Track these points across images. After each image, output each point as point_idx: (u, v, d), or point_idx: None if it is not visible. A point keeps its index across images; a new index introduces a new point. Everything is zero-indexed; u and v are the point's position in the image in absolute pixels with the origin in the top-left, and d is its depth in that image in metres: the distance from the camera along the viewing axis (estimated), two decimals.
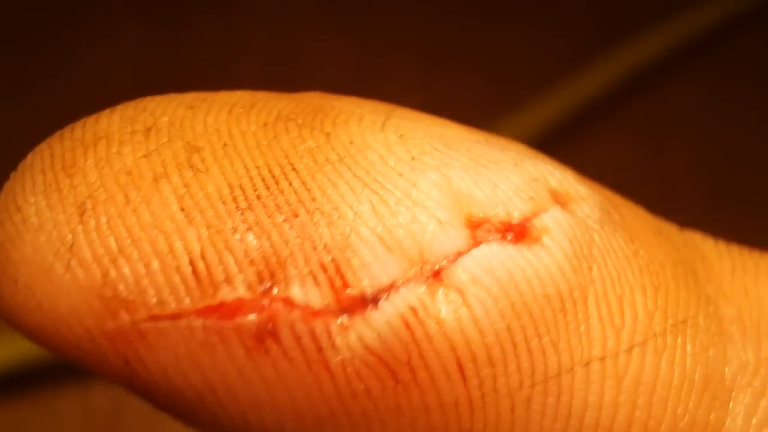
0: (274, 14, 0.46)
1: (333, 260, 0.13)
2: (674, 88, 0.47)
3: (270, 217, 0.14)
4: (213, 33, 0.45)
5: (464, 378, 0.14)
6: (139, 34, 0.45)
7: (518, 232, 0.14)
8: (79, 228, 0.14)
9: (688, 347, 0.15)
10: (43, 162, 0.15)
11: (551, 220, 0.15)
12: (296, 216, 0.14)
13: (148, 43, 0.45)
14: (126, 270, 0.14)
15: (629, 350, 0.14)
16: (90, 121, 0.15)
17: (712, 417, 0.15)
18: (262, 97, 0.15)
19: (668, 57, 0.47)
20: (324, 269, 0.13)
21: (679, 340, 0.15)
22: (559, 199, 0.15)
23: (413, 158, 0.15)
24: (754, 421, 0.15)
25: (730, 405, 0.15)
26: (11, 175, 0.15)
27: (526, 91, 0.45)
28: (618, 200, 0.17)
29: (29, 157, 0.15)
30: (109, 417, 0.40)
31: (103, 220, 0.14)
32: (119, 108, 0.15)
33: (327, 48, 0.45)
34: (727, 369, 0.15)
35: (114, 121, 0.15)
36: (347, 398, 0.14)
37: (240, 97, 0.15)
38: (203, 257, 0.13)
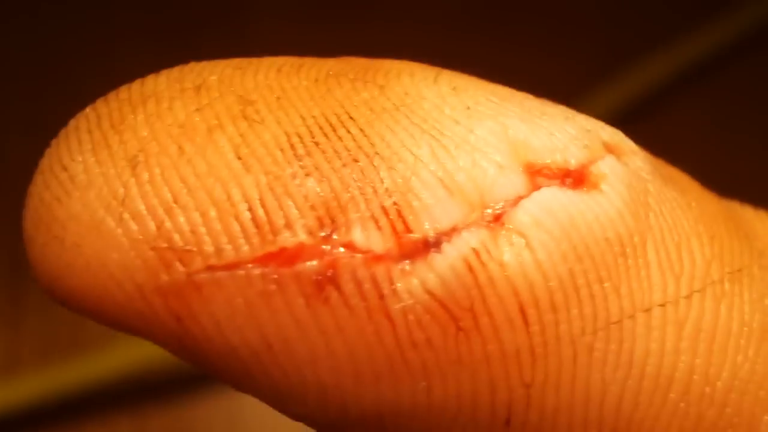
0: (282, 37, 0.47)
1: (394, 204, 0.13)
2: (679, 112, 0.47)
3: (329, 162, 0.13)
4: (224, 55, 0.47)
5: (527, 324, 0.13)
6: (147, 64, 0.46)
7: (577, 177, 0.14)
8: (132, 181, 0.13)
9: (746, 295, 0.15)
10: (88, 122, 0.14)
11: (607, 167, 0.15)
12: (356, 161, 0.13)
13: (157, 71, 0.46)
14: (182, 219, 0.13)
15: (689, 297, 0.14)
16: (135, 84, 0.15)
17: None
18: (308, 59, 0.15)
19: (673, 81, 0.47)
20: (386, 213, 0.13)
21: (736, 287, 0.15)
22: (612, 150, 0.15)
23: (468, 108, 0.14)
24: None
25: None
26: (53, 141, 0.15)
27: None
28: (661, 163, 0.17)
29: (72, 121, 0.15)
30: None
31: (157, 171, 0.13)
32: (164, 72, 0.15)
33: None
34: None
35: (161, 81, 0.15)
36: (408, 349, 0.13)
37: (286, 60, 0.15)
38: (262, 203, 0.13)
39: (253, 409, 0.41)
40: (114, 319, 0.14)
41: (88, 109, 0.15)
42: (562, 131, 0.15)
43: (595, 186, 0.14)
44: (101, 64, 0.47)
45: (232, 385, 0.14)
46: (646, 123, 0.46)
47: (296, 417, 0.14)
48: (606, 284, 0.14)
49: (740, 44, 0.48)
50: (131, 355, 0.40)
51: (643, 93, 0.47)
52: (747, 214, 0.17)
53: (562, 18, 0.49)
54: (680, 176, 0.16)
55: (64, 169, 0.14)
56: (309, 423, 0.14)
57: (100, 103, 0.15)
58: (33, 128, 0.42)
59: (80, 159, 0.14)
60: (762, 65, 0.49)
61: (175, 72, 0.15)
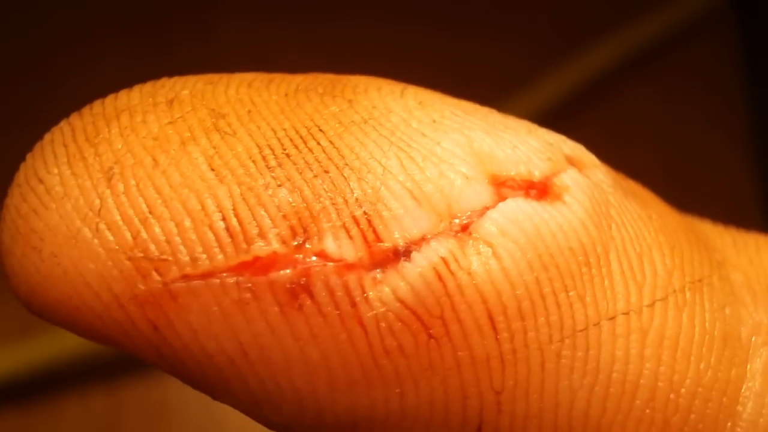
0: (249, 38, 0.48)
1: (365, 213, 0.14)
2: (631, 92, 0.50)
3: (301, 173, 0.14)
4: (191, 59, 0.47)
5: (496, 331, 0.14)
6: (118, 66, 0.46)
7: (540, 189, 0.15)
8: (107, 192, 0.14)
9: (706, 304, 0.15)
10: (63, 136, 0.15)
11: (570, 179, 0.15)
12: (326, 172, 0.14)
13: (127, 73, 0.47)
14: (157, 229, 0.14)
15: (651, 305, 0.15)
16: (109, 99, 0.15)
17: (732, 373, 0.15)
18: (277, 75, 0.16)
19: (624, 64, 0.49)
20: (356, 222, 0.14)
21: (697, 297, 0.15)
22: (574, 164, 0.15)
23: (434, 121, 0.15)
24: None
25: (748, 364, 0.15)
26: (28, 155, 0.15)
27: (490, 97, 0.47)
28: (621, 177, 0.17)
29: (46, 135, 0.15)
30: (108, 423, 0.40)
31: (132, 182, 0.14)
32: (137, 87, 0.15)
33: (303, 65, 0.48)
34: (742, 329, 0.16)
35: (134, 96, 0.15)
36: (380, 356, 0.14)
37: (256, 76, 0.16)
38: (236, 213, 0.13)
39: None
40: (91, 329, 0.14)
41: (62, 123, 0.15)
42: (525, 144, 0.15)
43: (558, 197, 0.15)
44: (74, 65, 0.47)
45: (209, 393, 0.14)
46: (596, 107, 0.49)
47: (272, 425, 0.15)
48: (571, 293, 0.14)
49: (686, 29, 0.51)
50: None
51: (592, 77, 0.48)
52: (705, 227, 0.18)
53: (511, 4, 0.51)
54: (640, 190, 0.17)
55: (41, 181, 0.14)
56: (284, 430, 0.15)
57: (74, 118, 0.15)
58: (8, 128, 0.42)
59: (56, 171, 0.14)
60: (706, 48, 0.51)
61: (148, 87, 0.15)
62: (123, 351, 0.15)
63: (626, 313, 0.15)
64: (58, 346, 0.40)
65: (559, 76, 0.48)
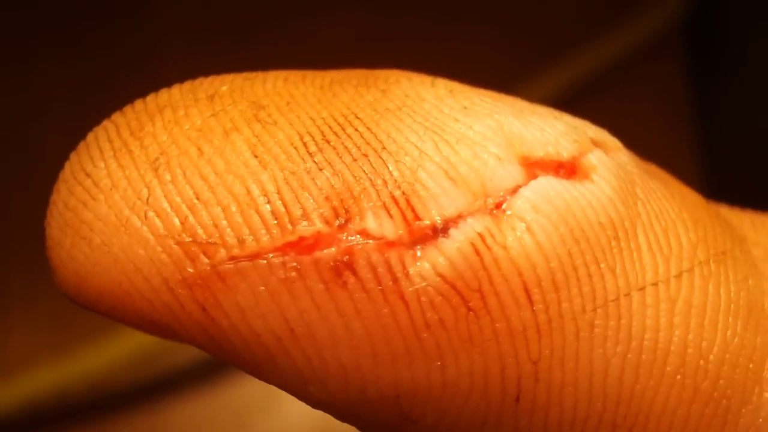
0: (200, 69, 0.50)
1: (403, 193, 0.14)
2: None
3: (341, 157, 0.14)
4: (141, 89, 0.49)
5: (531, 302, 0.14)
6: (70, 102, 0.47)
7: (569, 168, 0.15)
8: (155, 181, 0.14)
9: (731, 275, 0.16)
10: (107, 132, 0.15)
11: (597, 159, 0.16)
12: (365, 156, 0.14)
13: (79, 110, 0.48)
14: (204, 214, 0.14)
15: (678, 276, 0.15)
16: (150, 97, 0.16)
17: (758, 341, 0.16)
18: (310, 71, 0.16)
19: (573, 90, 0.50)
20: (396, 202, 0.14)
21: (721, 268, 0.16)
22: (599, 146, 0.16)
23: (465, 107, 0.16)
24: None
25: None
26: (73, 153, 0.16)
27: None
28: (643, 161, 0.18)
29: (90, 134, 0.16)
30: None
31: (178, 171, 0.14)
32: (175, 85, 0.16)
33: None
34: (765, 300, 0.16)
35: (174, 93, 0.16)
36: (422, 329, 0.14)
37: (290, 72, 0.16)
38: (280, 196, 0.14)
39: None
40: (141, 315, 0.15)
41: (105, 122, 0.16)
42: (552, 127, 0.16)
43: (586, 176, 0.15)
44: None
45: (255, 373, 0.15)
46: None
47: (317, 403, 0.15)
48: (602, 265, 0.15)
49: (634, 54, 0.51)
50: (53, 378, 0.41)
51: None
52: (722, 209, 0.18)
53: (501, 7, 0.52)
54: (661, 172, 0.17)
55: (88, 175, 0.15)
56: (328, 408, 0.15)
57: (116, 116, 0.16)
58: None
59: (102, 165, 0.15)
60: (654, 73, 0.52)
61: (187, 85, 0.16)
62: (169, 337, 0.15)
63: (655, 284, 0.15)
64: (4, 395, 0.40)
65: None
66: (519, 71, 0.49)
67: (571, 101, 0.49)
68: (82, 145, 0.15)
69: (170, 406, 0.44)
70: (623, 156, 0.16)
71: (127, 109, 0.16)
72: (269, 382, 0.15)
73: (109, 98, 0.48)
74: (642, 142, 0.51)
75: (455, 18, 0.51)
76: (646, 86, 0.51)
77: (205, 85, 0.16)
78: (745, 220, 0.18)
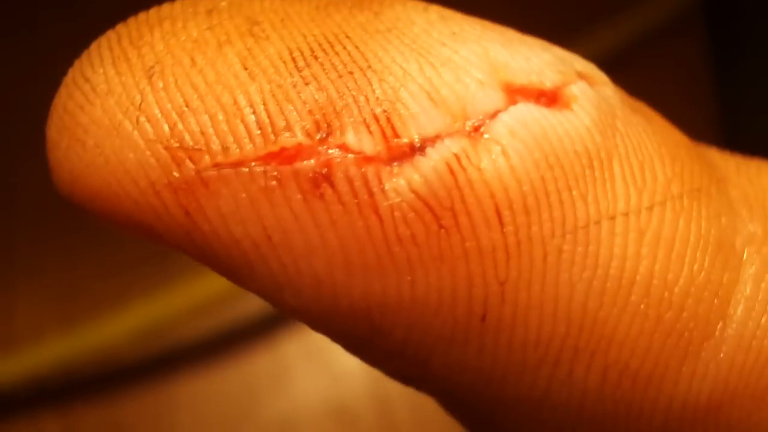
0: None
1: (384, 111, 0.15)
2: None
3: (327, 73, 0.15)
4: None
5: (501, 224, 0.15)
6: None
7: (550, 97, 0.16)
8: (148, 88, 0.15)
9: (703, 211, 0.16)
10: (109, 41, 0.16)
11: (579, 91, 0.16)
12: (351, 73, 0.15)
13: None
14: (192, 121, 0.15)
15: (650, 208, 0.16)
16: (152, 9, 0.16)
17: (725, 278, 0.16)
18: None
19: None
20: (376, 119, 0.15)
21: (694, 204, 0.16)
22: (584, 78, 0.16)
23: (454, 33, 0.16)
24: (762, 285, 0.16)
25: (741, 270, 0.16)
26: (77, 60, 0.16)
27: None
28: (630, 97, 0.18)
29: (94, 43, 0.16)
30: None
31: (171, 80, 0.15)
32: (178, 0, 0.16)
33: None
34: (737, 238, 0.17)
35: (176, 6, 0.16)
36: (394, 244, 0.15)
37: None
38: (265, 108, 0.15)
39: (178, 409, 0.42)
40: (128, 215, 0.15)
41: (109, 31, 0.16)
42: (539, 57, 0.16)
43: (566, 105, 0.16)
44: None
45: (234, 278, 0.16)
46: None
47: (291, 310, 0.16)
48: (574, 192, 0.15)
49: (653, 31, 0.51)
50: (59, 351, 0.41)
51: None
52: (710, 151, 0.18)
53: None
54: (647, 109, 0.18)
55: (87, 80, 0.15)
56: (302, 316, 0.16)
57: (120, 26, 0.16)
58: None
59: (101, 71, 0.15)
60: (675, 51, 0.51)
61: (188, 0, 0.16)
62: (153, 239, 0.16)
63: (625, 214, 0.15)
64: (9, 368, 0.40)
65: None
66: None
67: None
68: (85, 53, 0.16)
69: (178, 381, 0.43)
70: (608, 90, 0.17)
71: (131, 19, 0.16)
72: (247, 288, 0.16)
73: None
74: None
75: None
76: (666, 64, 0.51)
77: (206, 0, 0.16)
78: (730, 163, 0.18)
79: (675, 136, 0.17)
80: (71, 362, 0.42)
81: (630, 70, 0.50)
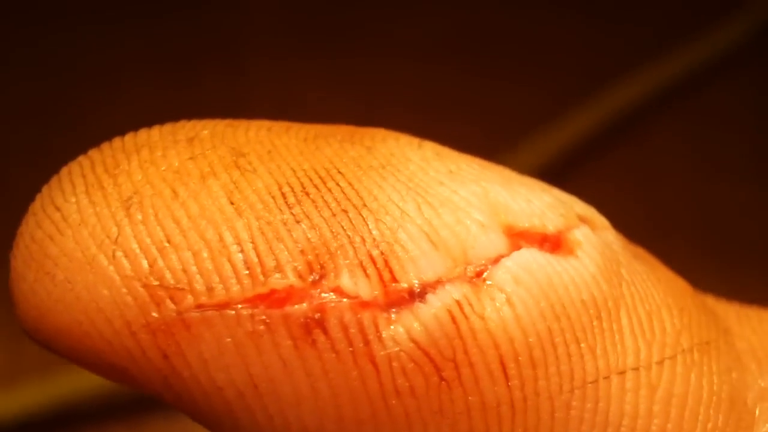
0: (280, 70, 0.49)
1: (381, 253, 0.14)
2: (657, 133, 0.48)
3: (319, 211, 0.14)
4: (220, 93, 0.47)
5: (507, 378, 0.14)
6: (149, 97, 0.47)
7: (554, 242, 0.15)
8: (125, 220, 0.14)
9: (714, 366, 0.15)
10: (82, 168, 0.15)
11: (582, 235, 0.15)
12: (345, 212, 0.14)
13: (158, 104, 0.47)
14: (174, 258, 0.14)
15: (660, 362, 0.15)
16: (128, 135, 0.15)
17: None
18: (295, 123, 0.16)
19: (650, 103, 0.48)
20: (373, 261, 0.14)
21: (705, 358, 0.15)
22: (585, 222, 0.16)
23: (451, 171, 0.15)
24: None
25: (754, 429, 0.15)
26: (45, 186, 0.15)
27: (514, 137, 0.46)
28: (629, 242, 0.17)
29: (64, 168, 0.15)
30: None
31: (150, 212, 0.14)
32: (156, 126, 0.16)
33: (330, 103, 0.47)
34: (748, 394, 0.16)
35: (154, 133, 0.15)
36: (391, 396, 0.14)
37: (274, 122, 0.16)
38: (254, 246, 0.14)
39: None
40: (98, 357, 0.14)
41: (81, 157, 0.15)
42: (539, 199, 0.15)
43: (571, 252, 0.15)
44: (103, 96, 0.47)
45: (214, 428, 0.14)
46: (623, 147, 0.47)
47: None
48: (582, 344, 0.14)
49: (713, 65, 0.50)
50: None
51: (618, 116, 0.48)
52: (708, 299, 0.18)
53: (535, 44, 0.51)
54: (647, 255, 0.17)
55: (57, 209, 0.14)
56: None
57: (93, 152, 0.15)
58: (37, 157, 0.41)
59: (73, 200, 0.14)
60: (736, 85, 0.50)
61: (167, 126, 0.15)
62: (126, 382, 0.14)
63: (636, 369, 0.15)
64: (78, 383, 0.39)
65: (579, 118, 0.47)
66: (587, 85, 0.48)
67: (646, 114, 0.48)
68: (54, 179, 0.15)
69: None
70: (610, 235, 0.16)
71: (105, 145, 0.15)
72: None
73: (194, 96, 0.47)
74: (728, 162, 0.46)
75: (484, 55, 0.51)
76: (731, 100, 0.49)
77: (187, 128, 0.15)
78: (730, 312, 0.18)
79: (679, 284, 0.17)
80: (76, 397, 0.40)
81: (690, 108, 0.48)
